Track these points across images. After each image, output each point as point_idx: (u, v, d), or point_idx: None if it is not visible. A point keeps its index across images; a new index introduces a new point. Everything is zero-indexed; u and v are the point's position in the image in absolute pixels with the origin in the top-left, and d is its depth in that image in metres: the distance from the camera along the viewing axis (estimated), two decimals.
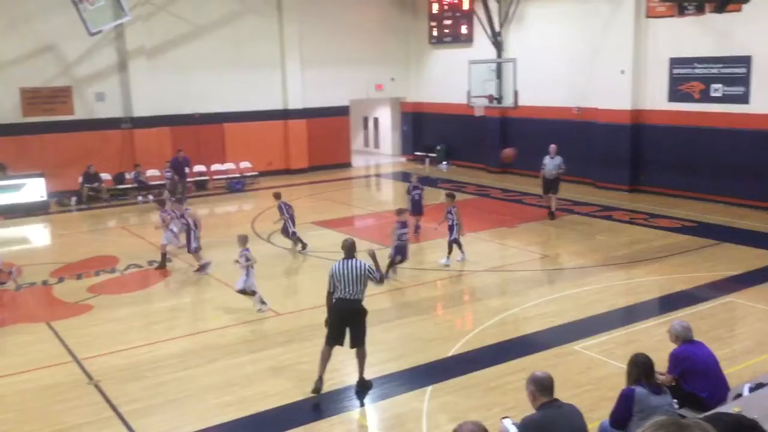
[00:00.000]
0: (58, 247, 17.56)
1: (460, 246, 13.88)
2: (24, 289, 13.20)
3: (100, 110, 22.68)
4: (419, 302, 11.96)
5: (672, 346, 7.09)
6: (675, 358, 6.94)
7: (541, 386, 5.46)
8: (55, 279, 13.71)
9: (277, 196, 15.30)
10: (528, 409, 6.07)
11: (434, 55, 27.73)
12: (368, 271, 8.38)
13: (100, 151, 22.39)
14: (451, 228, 13.67)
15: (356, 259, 8.45)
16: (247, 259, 11.31)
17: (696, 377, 6.77)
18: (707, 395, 6.62)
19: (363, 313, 8.48)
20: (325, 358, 8.45)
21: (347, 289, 8.31)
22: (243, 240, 11.58)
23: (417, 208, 15.95)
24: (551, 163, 17.35)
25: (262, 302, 11.45)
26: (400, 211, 13.36)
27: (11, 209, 19.86)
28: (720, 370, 6.96)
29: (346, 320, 8.43)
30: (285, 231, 15.20)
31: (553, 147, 17.40)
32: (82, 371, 9.38)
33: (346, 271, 8.32)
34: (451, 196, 14.14)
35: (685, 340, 7.01)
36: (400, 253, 12.91)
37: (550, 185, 17.50)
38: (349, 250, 8.53)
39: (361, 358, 8.58)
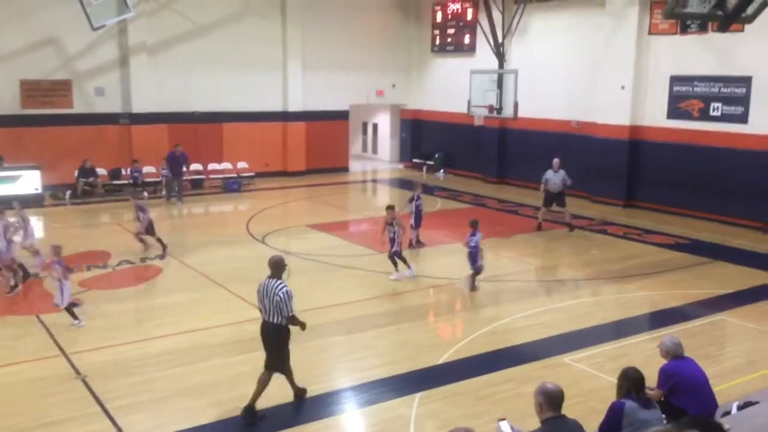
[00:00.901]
0: (50, 240, 17.37)
1: (404, 259, 13.39)
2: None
3: (99, 105, 22.64)
4: (411, 309, 11.94)
5: (662, 362, 7.08)
6: (665, 374, 6.93)
7: (550, 400, 5.33)
8: (45, 272, 13.62)
9: (136, 197, 16.66)
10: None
11: (436, 63, 27.79)
12: (282, 296, 7.65)
13: (97, 146, 22.34)
14: (392, 241, 13.24)
15: (276, 280, 7.78)
16: (60, 272, 10.75)
17: (685, 393, 6.77)
18: (696, 411, 6.61)
19: (278, 336, 7.85)
20: (261, 381, 7.97)
21: (265, 310, 7.86)
22: (56, 251, 11.02)
23: (418, 218, 15.79)
24: (555, 177, 17.31)
25: (75, 318, 10.81)
26: (474, 223, 12.77)
27: (5, 201, 19.73)
28: (709, 387, 6.96)
29: (265, 342, 7.97)
30: (148, 230, 15.11)
31: (556, 161, 17.37)
32: (70, 366, 9.33)
33: (264, 292, 7.81)
34: (391, 209, 13.60)
35: (675, 356, 7.01)
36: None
37: (554, 198, 17.51)
38: (273, 268, 7.89)
39: (287, 374, 8.17)
